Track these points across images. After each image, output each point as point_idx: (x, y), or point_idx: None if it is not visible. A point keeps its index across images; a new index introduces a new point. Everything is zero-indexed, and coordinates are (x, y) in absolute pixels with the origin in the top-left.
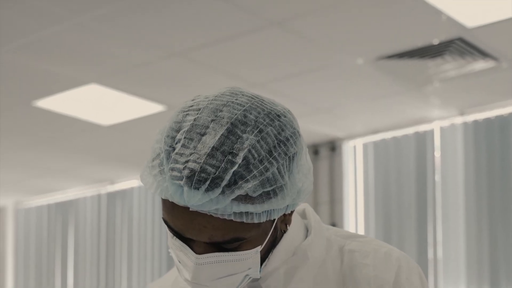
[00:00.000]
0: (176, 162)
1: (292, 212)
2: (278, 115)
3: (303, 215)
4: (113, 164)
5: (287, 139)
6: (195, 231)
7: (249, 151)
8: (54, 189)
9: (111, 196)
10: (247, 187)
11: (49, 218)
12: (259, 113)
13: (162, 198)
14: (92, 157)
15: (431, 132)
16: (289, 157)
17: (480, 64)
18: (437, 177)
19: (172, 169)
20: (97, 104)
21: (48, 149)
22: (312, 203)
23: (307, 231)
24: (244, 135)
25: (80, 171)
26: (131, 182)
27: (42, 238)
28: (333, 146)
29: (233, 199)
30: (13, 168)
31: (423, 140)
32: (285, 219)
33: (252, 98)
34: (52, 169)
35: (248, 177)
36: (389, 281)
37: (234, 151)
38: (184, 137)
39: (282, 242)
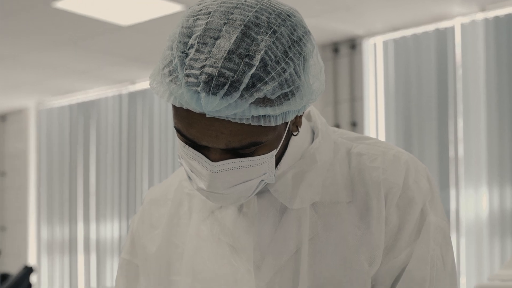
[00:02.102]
0: (192, 67)
1: (303, 113)
2: (289, 15)
3: (308, 117)
4: (133, 64)
5: (300, 39)
6: (211, 138)
7: (266, 52)
8: (75, 90)
9: (132, 96)
10: (266, 89)
11: (71, 118)
12: (270, 14)
13: (174, 106)
14: (113, 58)
15: (452, 28)
16: (303, 56)
17: None
18: (458, 74)
19: (188, 75)
20: (116, 4)
21: (68, 49)
22: (333, 101)
23: (313, 134)
24: (258, 37)
25: (101, 72)
26: None
27: (64, 138)
28: (353, 44)
29: (251, 103)
30: (34, 69)
31: (443, 37)
32: (296, 121)
33: None
34: (73, 69)
35: (266, 79)
36: (398, 184)
37: (250, 54)
38: (198, 42)
39: (290, 145)
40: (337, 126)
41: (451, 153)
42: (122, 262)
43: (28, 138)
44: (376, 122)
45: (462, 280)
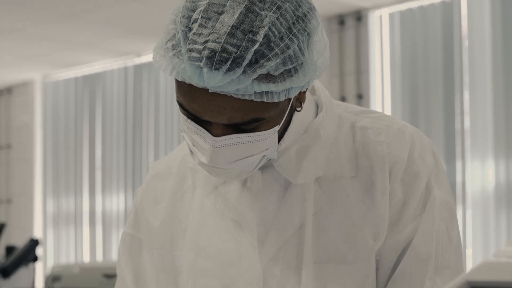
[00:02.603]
0: (195, 42)
1: (306, 89)
2: None
3: (312, 91)
4: (139, 36)
5: (305, 15)
6: (214, 113)
7: (270, 28)
8: (81, 62)
9: (138, 68)
10: (269, 65)
11: (76, 91)
12: None
13: (177, 80)
14: (118, 30)
15: (458, 0)
16: (307, 33)
17: None
18: (464, 46)
19: (191, 50)
20: None
21: (73, 22)
22: (338, 73)
23: (317, 107)
24: (262, 13)
25: (106, 44)
26: None
27: (70, 111)
28: (359, 16)
29: (254, 79)
30: (40, 42)
31: (449, 9)
32: (300, 97)
33: None
34: (79, 42)
35: (269, 56)
36: (403, 158)
37: (254, 29)
38: (201, 17)
39: (294, 120)
40: (343, 98)
41: (457, 125)
42: (125, 236)
43: (34, 111)
44: (382, 95)
45: (469, 252)
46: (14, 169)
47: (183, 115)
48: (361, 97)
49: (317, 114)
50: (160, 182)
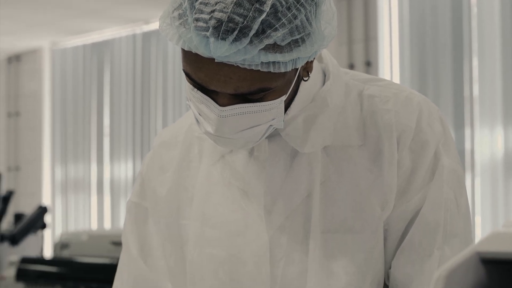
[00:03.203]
0: (201, 12)
1: (314, 59)
2: None
3: (320, 59)
4: (148, 3)
5: None
6: (220, 82)
7: None
8: (89, 30)
9: (146, 35)
10: (276, 36)
11: (84, 59)
12: None
13: (183, 50)
14: None
15: None
16: (315, 3)
17: None
18: (473, 13)
19: (197, 20)
20: None
21: None
22: (347, 41)
23: (324, 76)
24: None
25: (115, 11)
26: None
27: (78, 78)
28: None
29: (261, 49)
30: (47, 9)
31: None
32: (307, 67)
33: None
34: (87, 9)
35: (276, 26)
36: (410, 127)
37: None
38: None
39: (301, 89)
40: (351, 66)
41: (466, 92)
42: (131, 205)
43: (43, 79)
44: (390, 62)
45: (477, 221)
46: (22, 137)
47: (189, 84)
48: (369, 64)
49: (324, 82)
50: (167, 151)
